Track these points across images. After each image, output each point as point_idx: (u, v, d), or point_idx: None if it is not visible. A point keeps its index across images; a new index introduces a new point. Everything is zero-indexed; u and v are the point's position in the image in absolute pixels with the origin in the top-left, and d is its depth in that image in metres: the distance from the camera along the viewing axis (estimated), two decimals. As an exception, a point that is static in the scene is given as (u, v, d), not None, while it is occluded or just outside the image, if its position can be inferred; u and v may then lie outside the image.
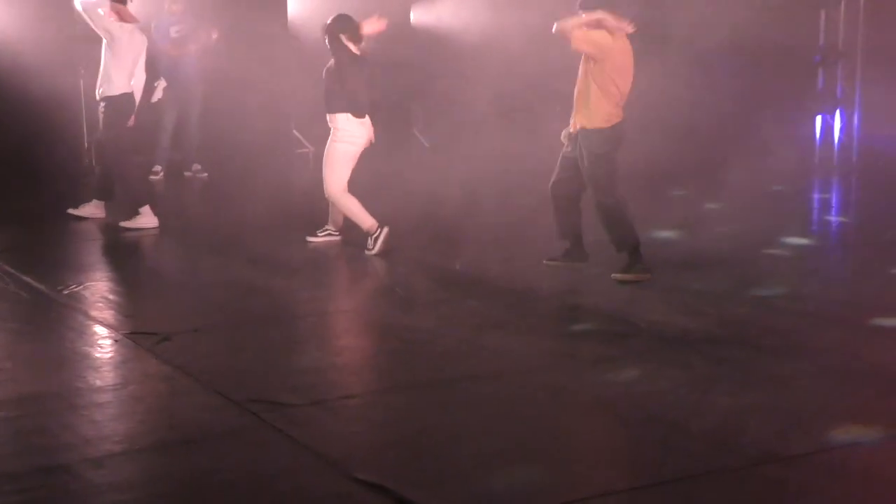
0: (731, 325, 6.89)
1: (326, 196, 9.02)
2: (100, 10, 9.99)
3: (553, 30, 7.74)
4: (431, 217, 10.23)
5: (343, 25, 8.92)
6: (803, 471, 4.74)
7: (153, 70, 12.46)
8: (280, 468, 4.83)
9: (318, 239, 9.21)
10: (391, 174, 12.15)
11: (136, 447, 5.10)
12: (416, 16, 16.03)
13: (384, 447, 5.08)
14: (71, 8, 13.19)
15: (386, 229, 8.81)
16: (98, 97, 10.19)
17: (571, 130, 7.93)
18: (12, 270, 8.40)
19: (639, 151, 11.05)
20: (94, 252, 9.68)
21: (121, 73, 10.05)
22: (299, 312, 7.69)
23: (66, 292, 7.80)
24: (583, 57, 7.88)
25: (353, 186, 9.06)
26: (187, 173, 13.52)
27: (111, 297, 7.69)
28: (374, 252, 8.77)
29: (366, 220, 8.89)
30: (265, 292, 8.07)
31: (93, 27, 10.12)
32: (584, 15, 7.77)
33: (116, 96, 10.03)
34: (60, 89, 12.88)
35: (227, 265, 8.79)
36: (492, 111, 14.60)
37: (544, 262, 8.37)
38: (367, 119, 9.05)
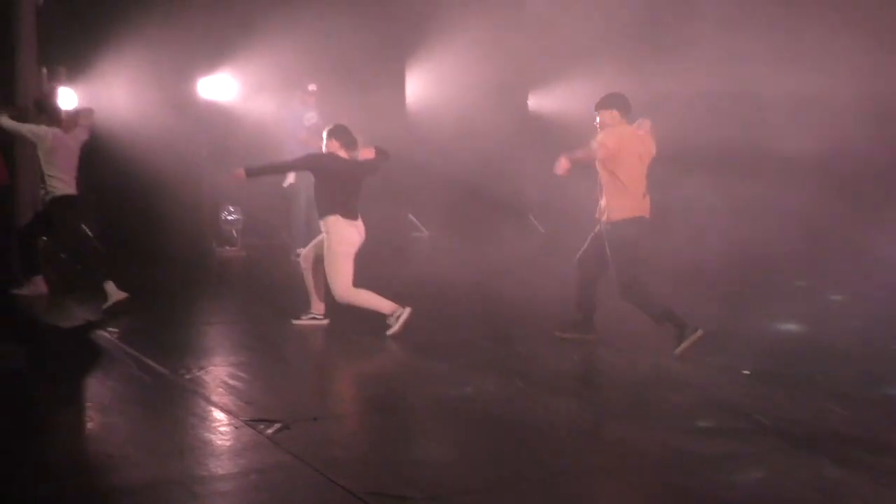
0: (861, 424, 6.69)
1: (339, 300, 9.22)
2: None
3: (564, 168, 8.42)
4: (546, 304, 10.19)
5: (336, 134, 9.39)
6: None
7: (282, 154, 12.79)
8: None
9: (303, 322, 9.51)
10: (508, 260, 12.16)
11: (256, 539, 5.11)
12: (534, 102, 16.14)
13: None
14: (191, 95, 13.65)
15: (408, 310, 9.03)
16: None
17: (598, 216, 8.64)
18: (136, 353, 8.54)
19: (758, 242, 10.97)
20: (213, 335, 9.79)
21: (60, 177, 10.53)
22: (416, 402, 7.66)
23: (187, 376, 7.88)
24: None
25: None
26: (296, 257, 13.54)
27: (231, 382, 7.74)
28: (394, 331, 8.99)
29: (384, 305, 9.12)
30: (382, 380, 8.07)
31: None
32: (597, 117, 8.65)
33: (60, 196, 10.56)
34: (181, 175, 13.22)
35: (345, 351, 8.83)
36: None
37: (555, 333, 8.84)
38: (358, 221, 9.36)
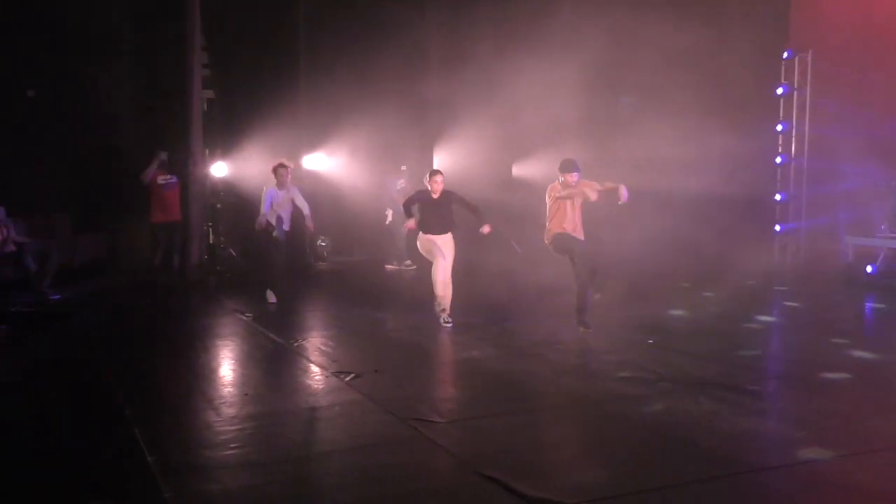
0: (726, 376, 6.57)
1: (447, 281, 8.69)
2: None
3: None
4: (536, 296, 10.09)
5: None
6: (782, 480, 4.49)
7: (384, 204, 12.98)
8: (428, 466, 4.77)
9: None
10: (503, 272, 12.09)
11: (339, 448, 5.07)
12: (516, 169, 16.03)
13: (494, 452, 4.96)
14: (299, 166, 13.65)
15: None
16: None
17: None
18: (263, 330, 8.54)
19: (651, 260, 10.85)
20: (312, 318, 9.78)
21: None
22: (441, 360, 7.61)
23: (295, 344, 7.87)
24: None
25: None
26: (393, 266, 13.46)
27: (323, 347, 7.72)
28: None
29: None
30: (420, 346, 8.03)
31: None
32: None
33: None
34: (293, 217, 13.20)
35: (401, 328, 8.77)
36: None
37: (581, 330, 8.14)
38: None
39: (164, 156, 11.69)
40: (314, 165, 14.36)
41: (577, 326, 8.22)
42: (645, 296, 10.28)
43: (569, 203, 8.19)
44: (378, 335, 8.48)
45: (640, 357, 7.23)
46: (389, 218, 13.33)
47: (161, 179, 11.66)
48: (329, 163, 14.54)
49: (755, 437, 5.12)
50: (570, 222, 8.24)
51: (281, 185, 10.17)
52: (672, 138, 13.02)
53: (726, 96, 13.32)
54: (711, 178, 12.89)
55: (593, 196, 8.03)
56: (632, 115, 14.87)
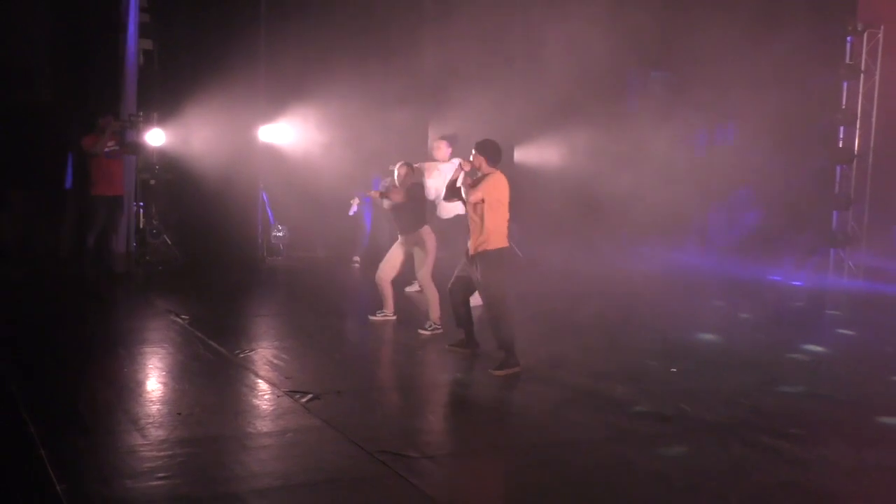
0: (762, 414, 6.69)
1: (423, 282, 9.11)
2: None
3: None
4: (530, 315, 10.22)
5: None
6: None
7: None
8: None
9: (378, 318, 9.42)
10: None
11: (291, 483, 5.11)
12: (519, 154, 16.10)
13: (479, 497, 5.02)
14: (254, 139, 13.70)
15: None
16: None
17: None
18: (202, 336, 8.57)
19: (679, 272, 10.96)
20: (262, 324, 9.82)
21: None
22: (417, 383, 7.69)
23: (241, 356, 7.91)
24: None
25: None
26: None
27: (275, 361, 7.76)
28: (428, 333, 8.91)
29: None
30: (392, 364, 8.09)
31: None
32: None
33: None
34: (244, 199, 13.30)
35: (366, 341, 8.88)
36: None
37: (447, 346, 8.29)
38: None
39: (117, 126, 11.94)
40: (272, 138, 14.38)
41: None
42: (670, 315, 10.37)
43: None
44: (342, 349, 8.53)
45: (659, 389, 7.32)
46: (355, 208, 13.37)
47: (106, 147, 11.85)
48: (292, 136, 14.56)
49: (792, 492, 5.21)
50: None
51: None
52: (708, 128, 13.17)
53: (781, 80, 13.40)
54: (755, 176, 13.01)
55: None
56: (664, 94, 14.98)
